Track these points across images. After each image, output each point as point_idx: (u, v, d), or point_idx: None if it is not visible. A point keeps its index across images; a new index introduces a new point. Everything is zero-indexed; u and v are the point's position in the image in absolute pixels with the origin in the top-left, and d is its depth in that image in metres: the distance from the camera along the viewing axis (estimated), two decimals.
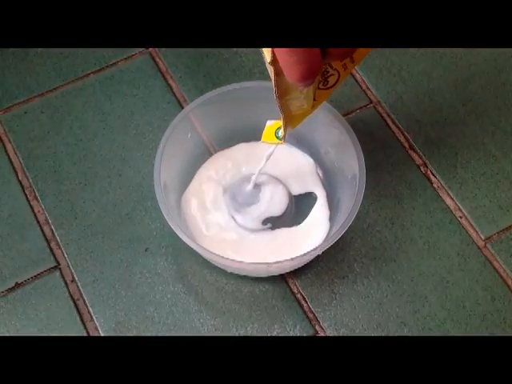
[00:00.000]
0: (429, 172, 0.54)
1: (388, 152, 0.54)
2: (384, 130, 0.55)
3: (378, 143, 0.55)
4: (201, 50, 0.58)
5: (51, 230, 0.51)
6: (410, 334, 0.47)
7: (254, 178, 0.49)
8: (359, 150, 0.46)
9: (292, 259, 0.44)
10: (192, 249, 0.44)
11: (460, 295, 0.49)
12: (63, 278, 0.49)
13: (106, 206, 0.52)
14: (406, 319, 0.48)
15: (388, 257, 0.50)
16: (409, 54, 0.59)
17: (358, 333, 0.47)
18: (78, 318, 0.47)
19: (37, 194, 0.52)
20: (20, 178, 0.53)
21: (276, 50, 0.33)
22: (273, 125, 0.45)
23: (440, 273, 0.50)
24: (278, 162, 0.49)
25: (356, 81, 0.57)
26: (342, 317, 0.48)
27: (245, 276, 0.49)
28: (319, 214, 0.50)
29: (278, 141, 0.45)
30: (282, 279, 0.49)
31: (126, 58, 0.58)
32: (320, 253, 0.44)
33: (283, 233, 0.49)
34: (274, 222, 0.50)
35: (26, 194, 0.52)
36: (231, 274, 0.49)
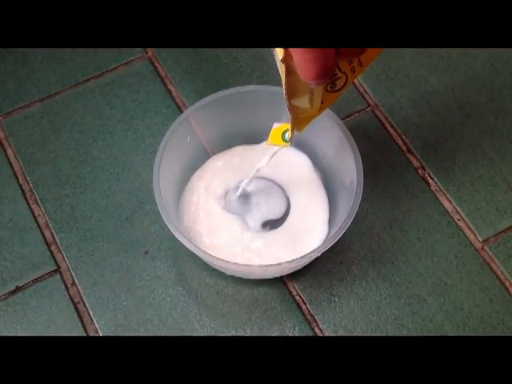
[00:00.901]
0: (426, 175, 0.54)
1: (386, 155, 0.55)
2: (382, 133, 0.56)
3: (376, 146, 0.55)
4: (200, 55, 0.59)
5: (51, 233, 0.51)
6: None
7: (251, 175, 0.49)
8: (357, 153, 0.47)
9: (291, 261, 0.44)
10: (191, 252, 0.44)
11: (458, 297, 0.49)
12: (63, 281, 0.49)
13: (105, 209, 0.52)
14: (405, 321, 0.48)
15: (386, 259, 0.50)
16: (406, 58, 0.59)
17: (356, 335, 0.48)
18: (78, 320, 0.48)
19: (37, 198, 0.52)
20: (20, 182, 0.53)
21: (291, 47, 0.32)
22: (279, 127, 0.45)
23: (438, 275, 0.50)
24: (276, 164, 0.50)
25: (354, 84, 0.58)
26: (340, 319, 0.48)
27: (244, 279, 0.49)
28: (318, 217, 0.50)
29: (284, 143, 0.44)
30: (280, 281, 0.50)
31: (125, 63, 0.58)
32: (318, 255, 0.45)
33: (282, 235, 0.50)
34: (272, 225, 0.50)
35: (26, 198, 0.52)
36: (230, 276, 0.49)
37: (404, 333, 0.48)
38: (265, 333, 0.48)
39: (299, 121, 0.41)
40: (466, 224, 0.52)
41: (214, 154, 0.53)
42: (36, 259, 0.50)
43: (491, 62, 0.59)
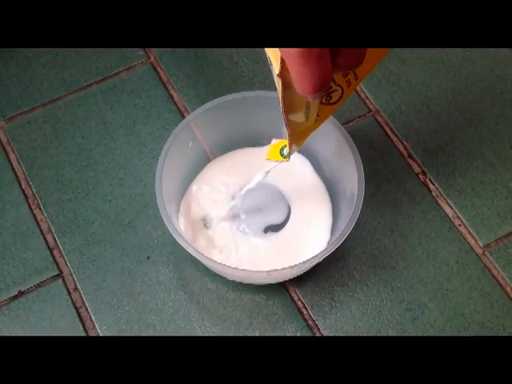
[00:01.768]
0: (427, 180, 0.54)
1: (387, 160, 0.55)
2: (383, 138, 0.56)
3: (377, 152, 0.55)
4: (202, 59, 0.59)
5: (54, 238, 0.51)
6: None
7: (251, 185, 0.49)
8: (358, 158, 0.47)
9: (292, 267, 0.44)
10: (193, 256, 0.44)
11: (459, 302, 0.49)
12: (66, 286, 0.49)
13: (108, 214, 0.52)
14: (406, 326, 0.48)
15: (387, 264, 0.51)
16: (407, 64, 0.59)
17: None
18: (80, 325, 0.48)
19: (40, 203, 0.52)
20: (23, 186, 0.53)
21: (288, 62, 0.32)
22: (277, 143, 0.45)
23: (439, 280, 0.50)
24: (278, 169, 0.50)
25: (355, 90, 0.58)
26: (341, 324, 0.48)
27: (245, 284, 0.49)
28: (319, 222, 0.50)
29: (282, 158, 0.44)
30: (282, 287, 0.50)
31: (127, 68, 0.59)
32: (320, 260, 0.45)
33: (284, 241, 0.50)
34: (274, 230, 0.50)
35: (28, 203, 0.52)
36: (232, 281, 0.49)
37: None
38: None
39: (297, 135, 0.41)
40: (467, 229, 0.52)
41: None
42: (38, 264, 0.50)
43: (492, 68, 0.59)
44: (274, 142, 0.45)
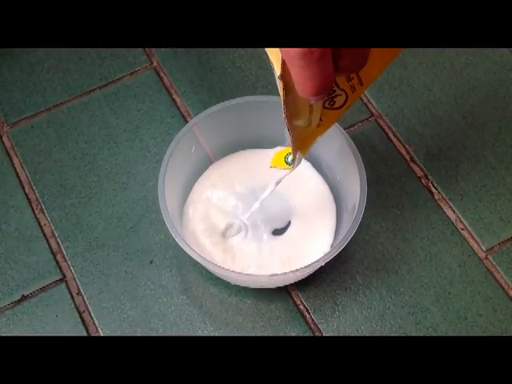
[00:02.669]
0: (430, 184, 0.54)
1: (389, 164, 0.55)
2: (385, 142, 0.56)
3: (380, 156, 0.55)
4: (205, 64, 0.59)
5: (57, 242, 0.51)
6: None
7: (262, 197, 0.49)
8: (360, 162, 0.47)
9: (295, 271, 0.44)
10: (196, 261, 0.45)
11: (462, 306, 0.49)
12: (69, 290, 0.50)
13: (111, 218, 0.52)
14: (408, 330, 0.48)
15: (390, 268, 0.51)
16: (409, 68, 0.60)
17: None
18: (83, 329, 0.48)
19: (43, 208, 0.53)
20: (27, 191, 0.53)
21: (289, 64, 0.32)
22: (281, 151, 0.45)
23: (442, 284, 0.50)
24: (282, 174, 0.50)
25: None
26: (344, 328, 0.48)
27: (248, 288, 0.49)
28: (322, 226, 0.50)
29: (287, 166, 0.44)
30: (284, 291, 0.50)
31: (131, 73, 0.59)
32: (323, 264, 0.45)
33: (286, 244, 0.50)
34: (277, 233, 0.50)
35: (32, 208, 0.53)
36: (234, 285, 0.49)
37: None
38: None
39: (300, 141, 0.41)
40: (470, 233, 0.52)
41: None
42: (42, 268, 0.50)
43: (494, 72, 0.59)
44: (278, 149, 0.45)
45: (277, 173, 0.47)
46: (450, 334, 0.48)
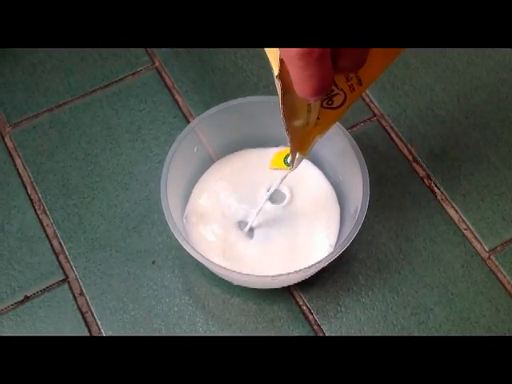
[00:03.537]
0: (432, 184, 0.54)
1: (392, 164, 0.55)
2: (387, 142, 0.56)
3: (382, 156, 0.55)
4: (207, 65, 0.59)
5: (60, 243, 0.51)
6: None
7: (268, 193, 0.49)
8: (363, 162, 0.47)
9: (297, 271, 0.44)
10: (198, 261, 0.44)
11: (464, 307, 0.49)
12: (72, 290, 0.50)
13: (113, 219, 0.52)
14: (411, 331, 0.48)
15: (393, 268, 0.51)
16: (411, 68, 0.59)
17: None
18: (86, 330, 0.48)
19: (45, 208, 0.53)
20: (29, 192, 0.53)
21: (288, 64, 0.32)
22: (281, 152, 0.45)
23: (444, 284, 0.50)
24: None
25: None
26: (347, 329, 0.48)
27: (250, 288, 0.49)
28: (325, 227, 0.50)
29: (286, 167, 0.44)
30: (287, 291, 0.50)
31: (132, 74, 0.59)
32: (325, 265, 0.45)
33: (289, 245, 0.50)
34: (280, 233, 0.50)
35: (34, 208, 0.53)
36: (237, 286, 0.49)
37: None
38: None
39: (299, 141, 0.40)
40: (473, 233, 0.52)
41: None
42: (44, 269, 0.50)
43: (497, 71, 0.59)
44: (278, 150, 0.45)
45: (279, 172, 0.47)
46: (453, 334, 0.48)
